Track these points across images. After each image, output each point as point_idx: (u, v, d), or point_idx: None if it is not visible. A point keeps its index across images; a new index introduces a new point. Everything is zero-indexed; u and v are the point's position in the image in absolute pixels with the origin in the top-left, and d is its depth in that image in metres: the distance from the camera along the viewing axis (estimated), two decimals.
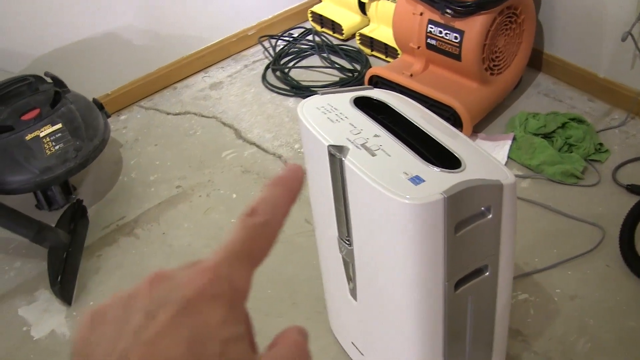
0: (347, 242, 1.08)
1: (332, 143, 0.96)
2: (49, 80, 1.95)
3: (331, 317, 1.49)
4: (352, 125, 1.00)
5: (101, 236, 1.97)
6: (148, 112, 2.53)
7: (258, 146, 2.27)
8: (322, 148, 0.98)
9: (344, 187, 0.98)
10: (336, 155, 0.95)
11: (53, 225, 1.85)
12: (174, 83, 2.67)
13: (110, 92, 2.50)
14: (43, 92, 1.86)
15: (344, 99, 1.07)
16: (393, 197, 0.85)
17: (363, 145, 0.95)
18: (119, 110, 2.54)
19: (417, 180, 0.86)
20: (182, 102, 2.56)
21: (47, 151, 1.76)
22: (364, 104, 1.06)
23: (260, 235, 0.32)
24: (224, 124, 2.40)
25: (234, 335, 0.28)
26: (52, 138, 1.77)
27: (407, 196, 0.84)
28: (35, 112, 1.80)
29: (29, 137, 1.76)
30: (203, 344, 0.27)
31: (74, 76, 2.26)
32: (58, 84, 1.93)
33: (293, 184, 0.34)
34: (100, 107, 2.02)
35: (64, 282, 1.73)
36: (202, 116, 2.46)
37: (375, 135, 0.97)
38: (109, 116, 2.03)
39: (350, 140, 0.96)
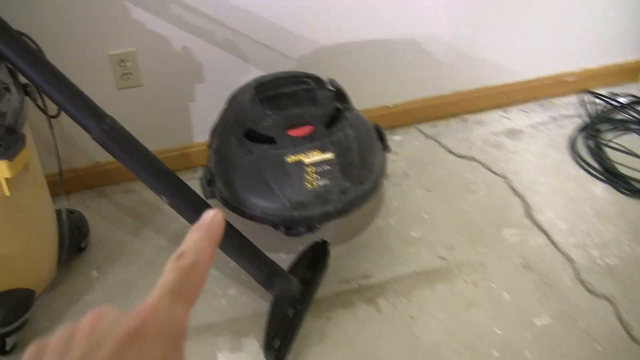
0: None
1: None
2: (330, 88, 1.57)
3: None
4: None
5: (337, 292, 1.58)
6: (428, 141, 2.09)
7: (548, 236, 1.73)
8: None
9: None
10: None
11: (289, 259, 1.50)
12: (465, 113, 2.20)
13: (392, 105, 2.10)
14: (321, 105, 1.48)
15: None
16: None
17: None
18: (394, 128, 2.14)
19: None
20: (469, 142, 2.08)
21: (306, 184, 1.39)
22: None
23: (191, 276, 0.34)
24: (514, 190, 1.88)
25: None
26: (317, 169, 1.40)
27: None
28: (307, 129, 1.43)
29: (290, 159, 1.40)
30: None
31: (353, 81, 1.88)
32: (340, 98, 1.55)
33: (215, 229, 0.37)
34: (381, 137, 1.61)
35: (281, 348, 1.36)
36: (490, 171, 1.96)
37: None
38: (388, 150, 1.61)
39: None
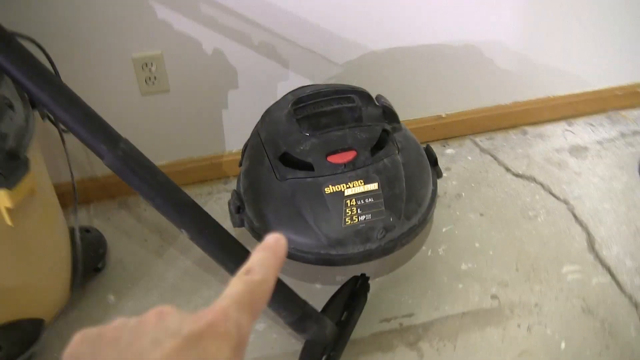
0: None
1: None
2: (377, 104, 1.39)
3: None
4: None
5: (375, 332, 1.41)
6: (483, 156, 1.89)
7: (612, 275, 1.53)
8: None
9: None
10: None
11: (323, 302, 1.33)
12: (525, 125, 1.99)
13: (445, 115, 1.90)
14: (367, 127, 1.30)
15: None
16: None
17: None
18: (447, 139, 1.94)
19: None
20: (529, 158, 1.87)
21: (346, 219, 1.22)
22: None
23: (257, 291, 0.34)
24: (576, 218, 1.68)
25: None
26: (359, 202, 1.22)
27: None
28: (350, 155, 1.25)
29: (329, 189, 1.22)
30: None
31: (403, 88, 1.70)
32: (389, 118, 1.36)
33: (279, 251, 0.37)
34: (435, 161, 1.42)
35: None
36: (551, 194, 1.75)
37: None
38: (440, 176, 1.42)
39: None
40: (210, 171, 1.80)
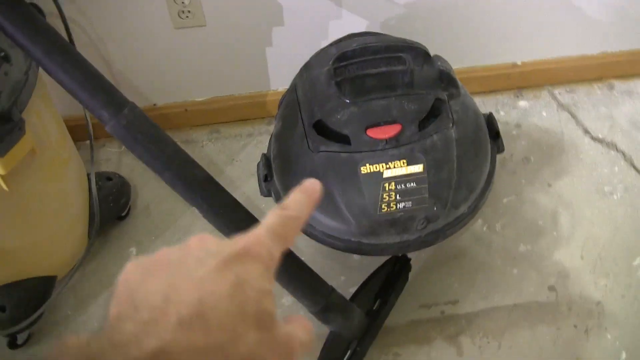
0: None
1: None
2: (435, 67, 1.17)
3: None
4: None
5: (413, 320, 1.28)
6: (560, 113, 1.66)
7: None
8: None
9: None
10: None
11: (355, 288, 1.20)
12: (613, 79, 1.73)
13: (521, 62, 1.66)
14: (417, 96, 1.10)
15: None
16: None
17: None
18: (521, 89, 1.71)
19: None
20: (612, 120, 1.63)
21: (382, 205, 1.06)
22: None
23: (290, 225, 0.39)
24: None
25: (268, 290, 0.33)
26: (399, 187, 1.05)
27: None
28: (394, 129, 1.07)
29: (365, 168, 1.06)
30: (244, 289, 0.32)
31: (475, 32, 1.48)
32: (447, 83, 1.16)
33: (314, 194, 0.42)
34: (496, 133, 1.22)
35: None
36: (632, 166, 1.52)
37: None
38: (501, 151, 1.23)
39: None
40: (252, 109, 1.65)
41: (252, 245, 0.35)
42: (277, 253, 0.36)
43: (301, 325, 0.37)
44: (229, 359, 0.30)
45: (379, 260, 1.27)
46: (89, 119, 1.24)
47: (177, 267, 0.33)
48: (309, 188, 0.42)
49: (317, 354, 1.14)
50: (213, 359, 0.30)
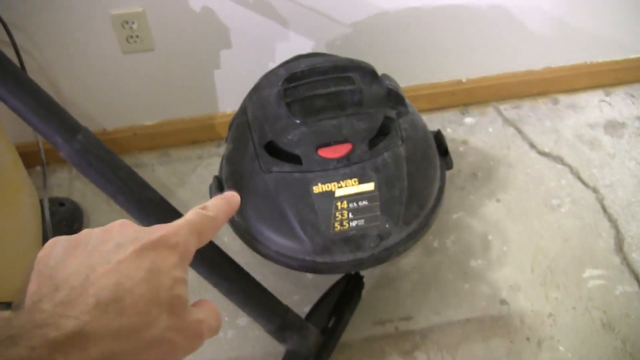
0: None
1: None
2: (383, 86, 1.20)
3: None
4: None
5: (367, 336, 1.29)
6: (506, 128, 1.70)
7: None
8: None
9: None
10: None
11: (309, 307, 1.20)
12: (558, 93, 1.78)
13: (466, 80, 1.70)
14: (367, 116, 1.12)
15: None
16: None
17: None
18: (467, 106, 1.75)
19: None
20: (558, 134, 1.68)
21: (335, 224, 1.06)
22: None
23: (207, 224, 0.41)
24: (605, 211, 1.50)
25: (181, 278, 0.36)
26: (351, 205, 1.07)
27: None
28: (344, 148, 1.09)
29: (317, 188, 1.07)
30: (158, 275, 0.34)
31: (421, 51, 1.51)
32: (395, 101, 1.18)
33: (232, 202, 0.45)
34: (445, 150, 1.24)
35: None
36: (579, 179, 1.57)
37: None
38: (450, 167, 1.25)
39: None
40: (202, 132, 1.65)
41: (170, 235, 0.37)
42: (192, 247, 0.38)
43: (211, 311, 0.39)
44: (142, 341, 0.32)
45: (332, 279, 1.28)
46: (41, 144, 1.22)
47: (97, 249, 0.34)
48: (229, 196, 0.45)
49: None
50: (126, 341, 0.31)
